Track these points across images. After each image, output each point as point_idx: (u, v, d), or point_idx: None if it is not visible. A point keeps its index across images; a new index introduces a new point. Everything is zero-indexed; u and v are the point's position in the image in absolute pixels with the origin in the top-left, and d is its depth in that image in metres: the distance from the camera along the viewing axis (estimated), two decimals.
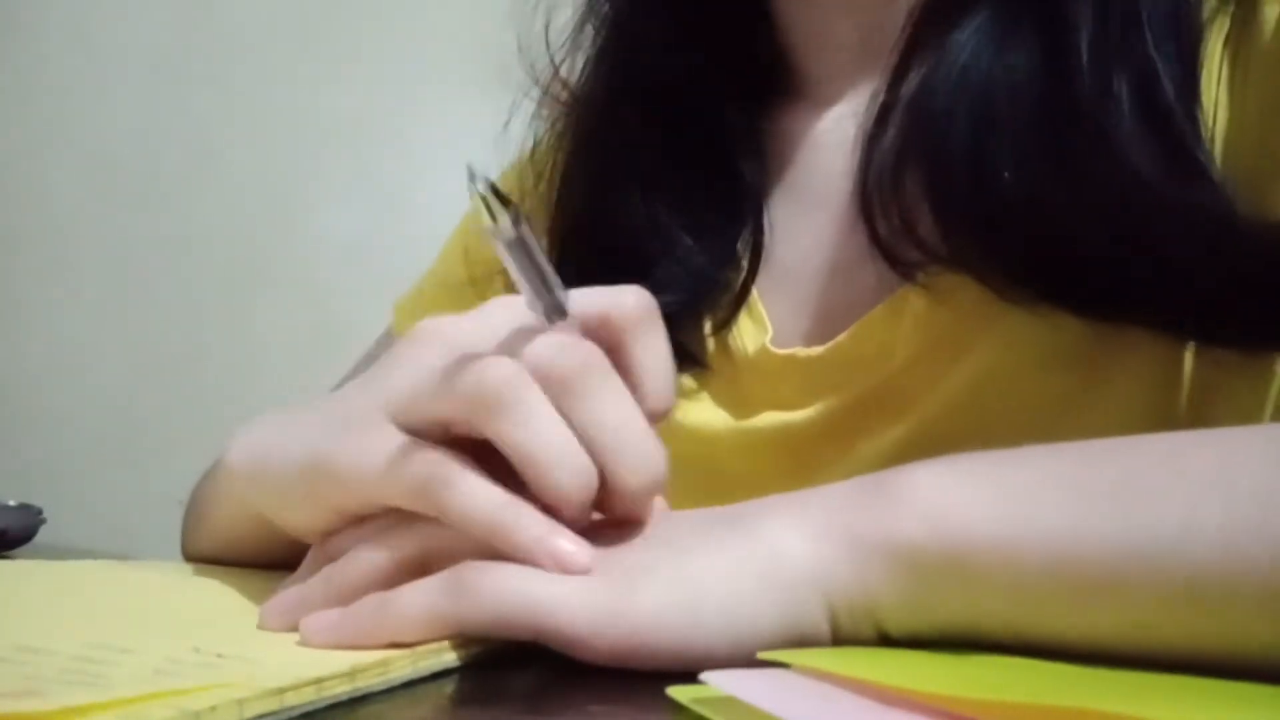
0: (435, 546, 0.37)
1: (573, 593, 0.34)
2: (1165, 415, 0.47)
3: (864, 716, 0.26)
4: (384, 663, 0.32)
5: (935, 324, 0.50)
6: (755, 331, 0.55)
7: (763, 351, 0.54)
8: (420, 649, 0.34)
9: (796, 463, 0.53)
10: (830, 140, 0.55)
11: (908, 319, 0.50)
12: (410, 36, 1.65)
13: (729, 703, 0.27)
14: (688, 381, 0.56)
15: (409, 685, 0.33)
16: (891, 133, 0.49)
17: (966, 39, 0.48)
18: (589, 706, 0.34)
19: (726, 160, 0.56)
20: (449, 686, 0.34)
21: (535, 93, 0.63)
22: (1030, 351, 0.48)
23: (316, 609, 0.37)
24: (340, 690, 0.31)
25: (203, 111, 1.67)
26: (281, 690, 0.29)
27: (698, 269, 0.55)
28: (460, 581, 0.34)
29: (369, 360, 0.71)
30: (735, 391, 0.55)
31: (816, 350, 0.52)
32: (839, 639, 0.35)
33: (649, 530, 0.38)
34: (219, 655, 0.33)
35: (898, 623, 0.34)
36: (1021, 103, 0.46)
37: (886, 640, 0.35)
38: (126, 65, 1.69)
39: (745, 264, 0.55)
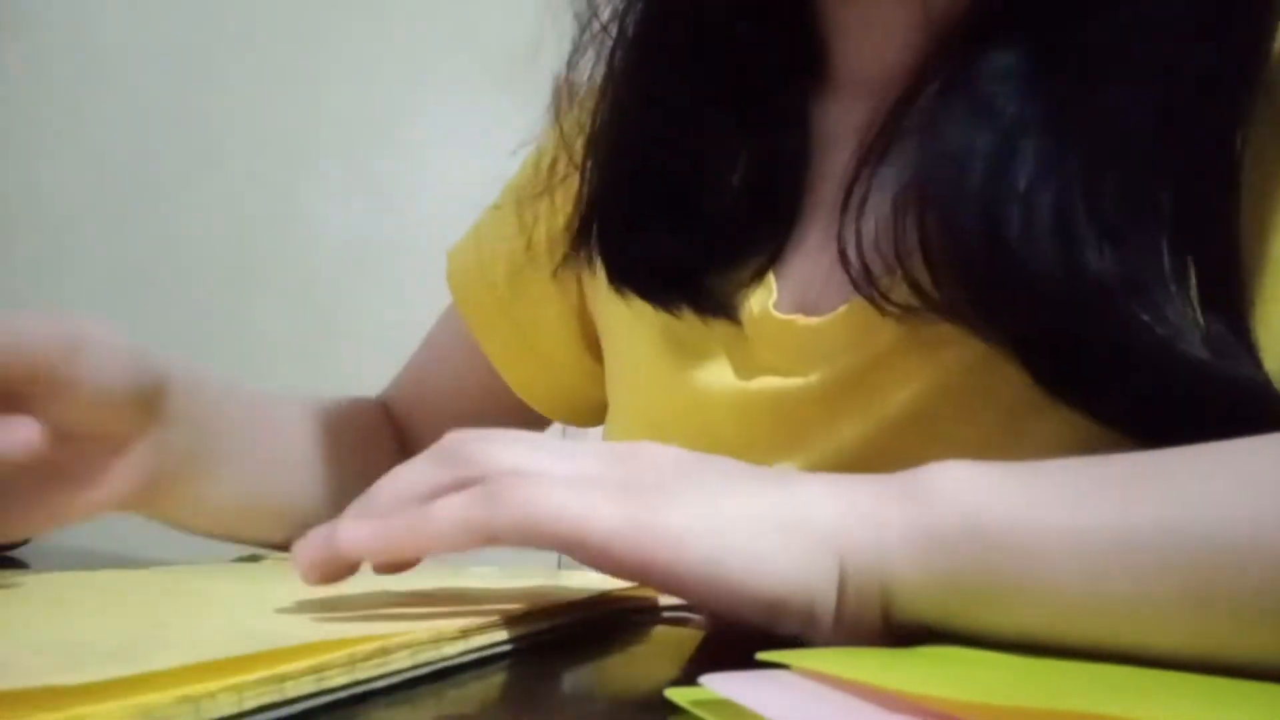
0: (467, 475, 0.38)
1: (603, 505, 0.35)
2: None
3: (863, 719, 0.26)
4: (383, 650, 0.32)
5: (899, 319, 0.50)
6: (762, 294, 0.55)
7: (766, 314, 0.55)
8: (473, 624, 0.35)
9: (788, 431, 0.53)
10: (855, 127, 0.55)
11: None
12: (410, 36, 1.65)
13: (728, 705, 0.27)
14: (703, 336, 0.57)
15: (409, 685, 0.33)
16: (892, 171, 0.50)
17: (992, 74, 0.48)
18: (589, 706, 0.34)
19: (771, 130, 0.57)
20: (449, 686, 0.34)
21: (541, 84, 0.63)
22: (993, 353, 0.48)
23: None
24: (339, 681, 0.30)
25: (203, 111, 1.68)
26: (281, 678, 0.29)
27: (736, 226, 0.56)
28: (494, 491, 0.35)
29: (450, 314, 0.75)
30: (742, 352, 0.56)
31: (813, 320, 0.53)
32: (842, 607, 0.35)
33: (681, 465, 0.39)
34: (250, 636, 0.32)
35: (904, 593, 0.35)
36: (1041, 168, 0.45)
37: (887, 620, 0.35)
38: (126, 65, 1.69)
39: (774, 231, 0.57)
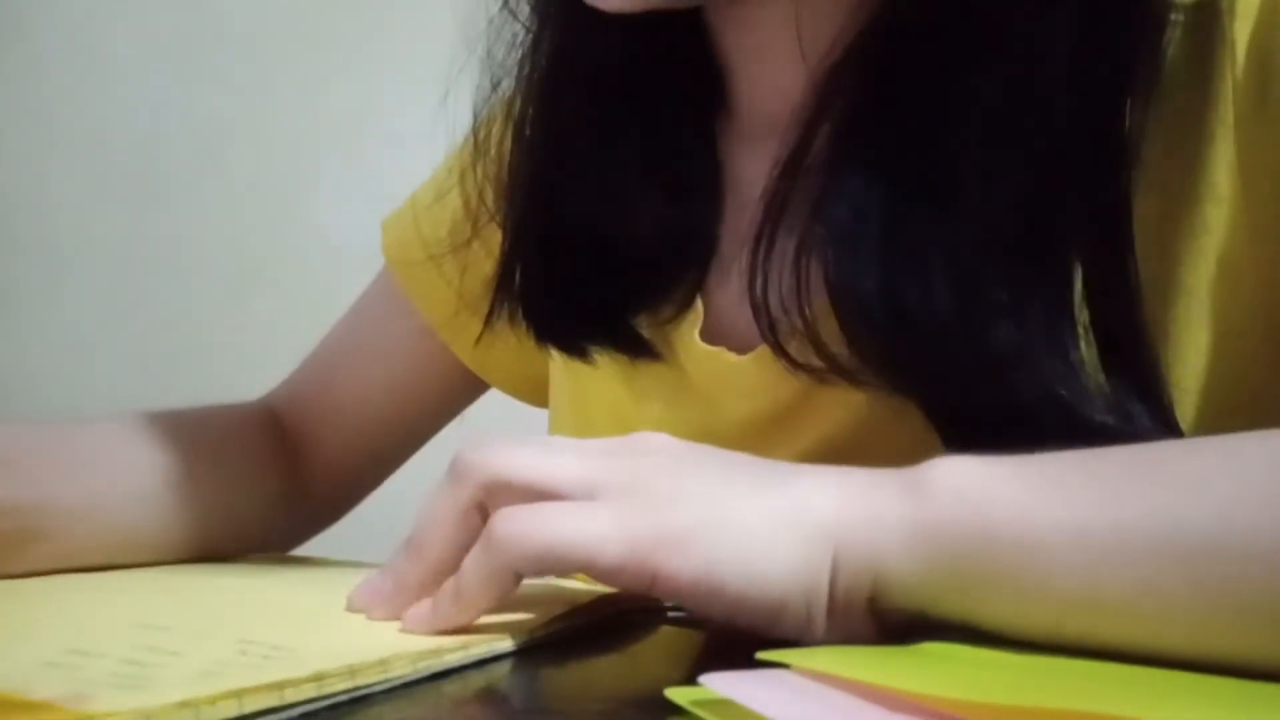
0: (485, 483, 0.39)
1: (609, 526, 0.36)
2: None
3: (863, 719, 0.26)
4: (383, 662, 0.33)
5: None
6: (690, 323, 0.55)
7: (692, 342, 0.54)
8: (474, 639, 0.37)
9: None
10: (762, 153, 0.53)
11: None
12: (410, 36, 1.65)
13: (728, 705, 0.27)
14: (642, 370, 0.56)
15: (409, 685, 0.33)
16: (799, 216, 0.48)
17: (880, 121, 0.47)
18: (589, 706, 0.34)
19: (681, 166, 0.56)
20: (449, 686, 0.34)
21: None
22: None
23: (403, 584, 0.40)
24: (340, 688, 0.31)
25: (203, 111, 1.67)
26: (281, 685, 0.29)
27: (653, 256, 0.55)
28: (503, 534, 0.37)
29: (371, 292, 0.73)
30: (675, 383, 0.55)
31: (735, 358, 0.53)
32: (833, 597, 0.35)
33: (683, 459, 0.40)
34: (266, 657, 0.33)
35: (897, 581, 0.35)
36: (940, 231, 0.45)
37: (874, 607, 0.36)
38: (126, 65, 1.69)
39: (693, 259, 0.55)
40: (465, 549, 0.39)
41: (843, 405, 0.50)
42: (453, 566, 0.39)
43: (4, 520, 0.50)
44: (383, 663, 0.32)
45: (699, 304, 0.55)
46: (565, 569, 0.37)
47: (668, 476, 0.39)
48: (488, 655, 0.36)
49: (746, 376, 0.52)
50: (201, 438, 0.63)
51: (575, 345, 0.56)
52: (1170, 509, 0.33)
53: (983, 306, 0.43)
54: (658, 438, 0.40)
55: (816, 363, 0.47)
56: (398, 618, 0.39)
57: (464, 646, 0.36)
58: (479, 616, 0.38)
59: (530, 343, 0.59)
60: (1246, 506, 0.32)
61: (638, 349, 0.55)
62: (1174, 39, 0.45)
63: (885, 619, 0.36)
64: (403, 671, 0.33)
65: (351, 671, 0.31)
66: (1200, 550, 0.32)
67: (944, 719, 0.25)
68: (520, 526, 0.36)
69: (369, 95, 1.64)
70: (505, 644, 0.37)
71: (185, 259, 1.67)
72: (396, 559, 0.41)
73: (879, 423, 0.49)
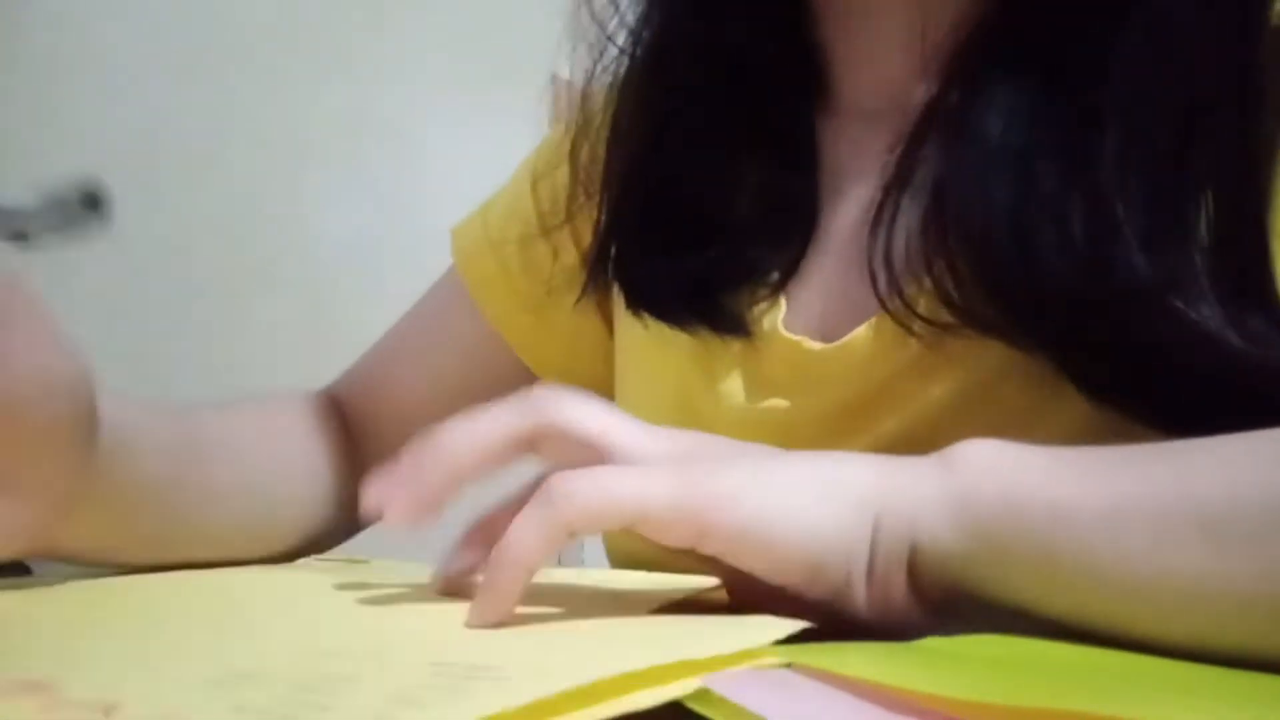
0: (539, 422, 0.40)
1: (658, 481, 0.37)
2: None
3: (864, 719, 0.26)
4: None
5: (925, 336, 0.50)
6: (774, 312, 0.56)
7: (775, 332, 0.55)
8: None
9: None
10: (870, 147, 0.55)
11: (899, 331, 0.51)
12: (410, 36, 1.65)
13: (728, 705, 0.27)
14: (719, 355, 0.57)
15: None
16: (916, 200, 0.50)
17: (1008, 90, 0.48)
18: None
19: (780, 152, 0.57)
20: None
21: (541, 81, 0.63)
22: (1003, 366, 0.49)
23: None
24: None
25: (202, 111, 1.68)
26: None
27: (750, 245, 0.56)
28: (556, 492, 0.37)
29: (434, 293, 0.72)
30: (754, 372, 0.56)
31: (819, 346, 0.53)
32: (873, 569, 0.37)
33: (728, 445, 0.42)
34: (467, 677, 0.28)
35: (934, 554, 0.36)
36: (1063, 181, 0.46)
37: (914, 582, 0.37)
38: (127, 65, 1.69)
39: (790, 249, 0.57)
40: (488, 469, 0.39)
41: (918, 398, 0.50)
42: (470, 477, 0.39)
43: (144, 502, 0.49)
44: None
45: (783, 294, 0.56)
46: (617, 523, 0.37)
47: (715, 448, 0.41)
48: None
49: (828, 366, 0.53)
50: (305, 429, 0.64)
51: (668, 313, 0.58)
52: (1200, 487, 0.34)
53: (1120, 243, 0.44)
54: (713, 436, 0.42)
55: (946, 318, 0.48)
56: (409, 520, 0.39)
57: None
58: (529, 579, 0.37)
59: (585, 343, 0.62)
60: (1265, 475, 0.33)
61: (727, 324, 0.56)
62: None
63: (926, 595, 0.37)
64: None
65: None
66: (1228, 528, 0.33)
67: (944, 719, 0.25)
68: (578, 485, 0.37)
69: (368, 95, 1.64)
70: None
71: (186, 259, 1.67)
72: (416, 458, 0.40)
73: (955, 416, 0.49)
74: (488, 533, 0.40)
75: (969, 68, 0.50)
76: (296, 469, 0.62)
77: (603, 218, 0.61)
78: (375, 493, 0.40)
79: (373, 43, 1.65)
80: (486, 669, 0.29)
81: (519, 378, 0.69)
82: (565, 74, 0.63)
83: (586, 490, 0.37)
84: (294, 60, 1.66)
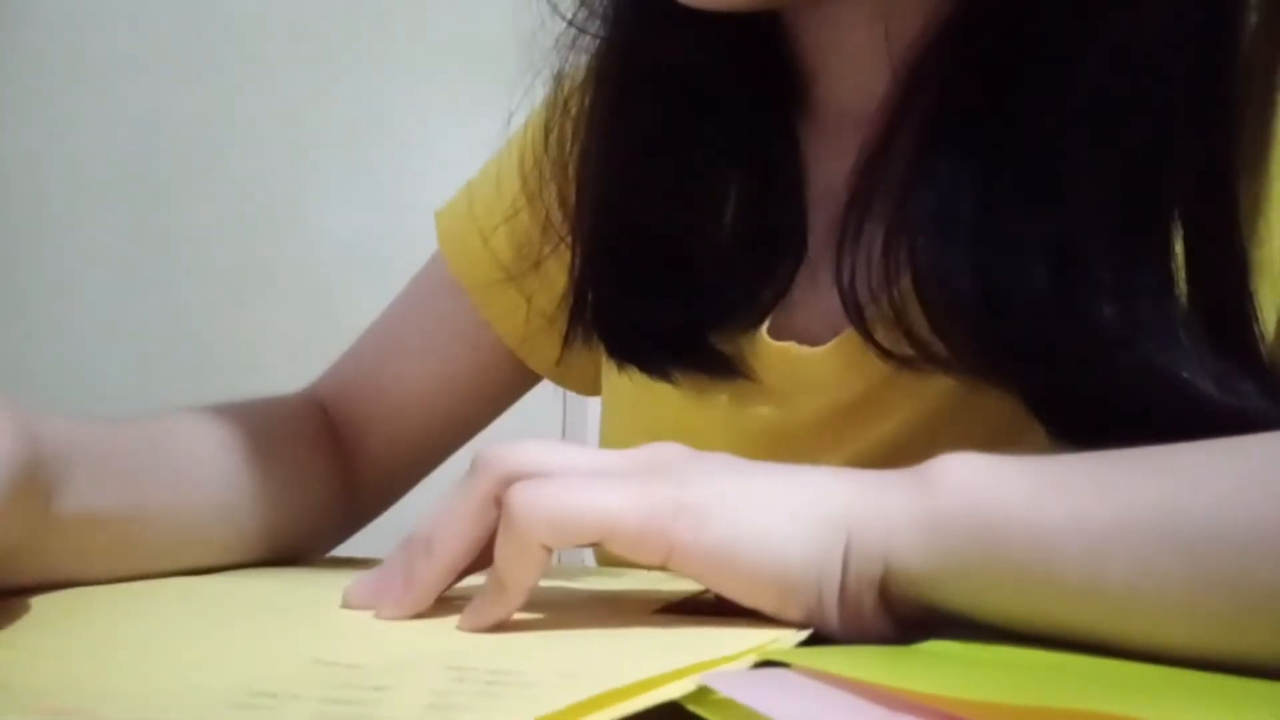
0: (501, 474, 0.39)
1: (625, 497, 0.36)
2: None
3: (864, 719, 0.26)
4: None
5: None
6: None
7: (760, 339, 0.54)
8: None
9: (777, 461, 0.53)
10: (852, 146, 0.53)
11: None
12: (410, 36, 1.65)
13: (729, 705, 0.27)
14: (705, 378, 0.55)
15: None
16: (887, 204, 0.48)
17: (971, 108, 0.46)
18: None
19: (761, 164, 0.55)
20: None
21: (538, 77, 0.61)
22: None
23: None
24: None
25: (202, 111, 1.68)
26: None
27: (734, 276, 0.54)
28: (521, 505, 0.36)
29: (418, 280, 0.70)
30: (737, 382, 0.55)
31: (806, 350, 0.52)
32: (845, 588, 0.36)
33: (693, 457, 0.40)
34: (490, 682, 0.29)
35: (905, 572, 0.35)
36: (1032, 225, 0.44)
37: (886, 600, 0.36)
38: (126, 65, 1.69)
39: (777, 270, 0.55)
40: (479, 544, 0.39)
41: (911, 400, 0.50)
42: (465, 561, 0.39)
43: (103, 532, 0.47)
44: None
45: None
46: (584, 539, 0.36)
47: (684, 462, 0.39)
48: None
49: (816, 371, 0.52)
50: (274, 436, 0.60)
51: (654, 365, 0.56)
52: (1172, 500, 0.33)
53: (1084, 286, 0.43)
54: (667, 444, 0.40)
55: (906, 350, 0.47)
56: (408, 616, 0.39)
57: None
58: (522, 602, 0.37)
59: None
60: (1247, 497, 0.32)
61: (718, 368, 0.54)
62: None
63: (898, 614, 0.36)
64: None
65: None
66: (1201, 539, 0.32)
67: (944, 719, 0.25)
68: (537, 493, 0.36)
69: (369, 95, 1.64)
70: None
71: (185, 259, 1.67)
72: (401, 554, 0.40)
73: (947, 419, 0.49)
74: (431, 549, 0.39)
75: (931, 82, 0.48)
76: (274, 478, 0.58)
77: (575, 261, 0.58)
78: (362, 593, 0.40)
79: (373, 43, 1.64)
80: (507, 673, 0.30)
81: (518, 370, 0.68)
82: (567, 74, 0.62)
83: (546, 500, 0.36)
84: (294, 60, 1.66)
